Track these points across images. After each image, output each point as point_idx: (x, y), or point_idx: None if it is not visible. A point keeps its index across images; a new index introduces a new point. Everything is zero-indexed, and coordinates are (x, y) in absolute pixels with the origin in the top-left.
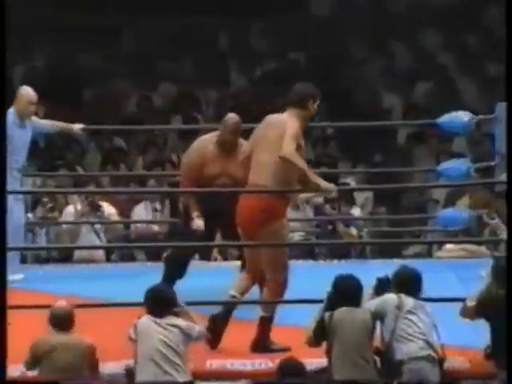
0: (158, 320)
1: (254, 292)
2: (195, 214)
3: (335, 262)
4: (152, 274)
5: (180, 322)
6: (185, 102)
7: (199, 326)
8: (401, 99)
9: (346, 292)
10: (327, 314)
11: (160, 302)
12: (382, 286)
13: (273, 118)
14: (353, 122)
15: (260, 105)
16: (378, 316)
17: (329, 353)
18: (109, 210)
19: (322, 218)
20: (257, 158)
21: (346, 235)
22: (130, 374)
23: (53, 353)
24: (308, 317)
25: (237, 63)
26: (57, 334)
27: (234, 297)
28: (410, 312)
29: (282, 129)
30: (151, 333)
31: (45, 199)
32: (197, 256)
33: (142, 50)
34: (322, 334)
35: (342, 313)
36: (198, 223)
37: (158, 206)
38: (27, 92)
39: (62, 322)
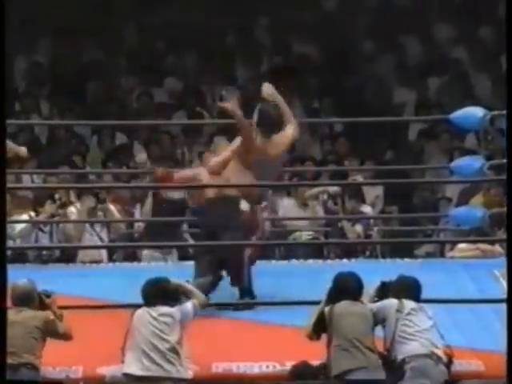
0: (152, 311)
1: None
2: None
3: (345, 261)
4: (156, 273)
5: (172, 309)
6: (190, 97)
7: (192, 302)
8: (413, 94)
9: (346, 288)
10: (327, 308)
11: (152, 292)
12: (385, 290)
13: None
14: (362, 118)
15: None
16: (379, 318)
17: (329, 345)
18: (112, 208)
19: (330, 216)
20: None
21: (350, 233)
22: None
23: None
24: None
25: (243, 58)
26: (14, 312)
27: None
28: (410, 314)
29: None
30: (144, 324)
31: (56, 196)
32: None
33: (146, 44)
34: (321, 326)
35: (341, 306)
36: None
37: None
38: None
39: (21, 299)
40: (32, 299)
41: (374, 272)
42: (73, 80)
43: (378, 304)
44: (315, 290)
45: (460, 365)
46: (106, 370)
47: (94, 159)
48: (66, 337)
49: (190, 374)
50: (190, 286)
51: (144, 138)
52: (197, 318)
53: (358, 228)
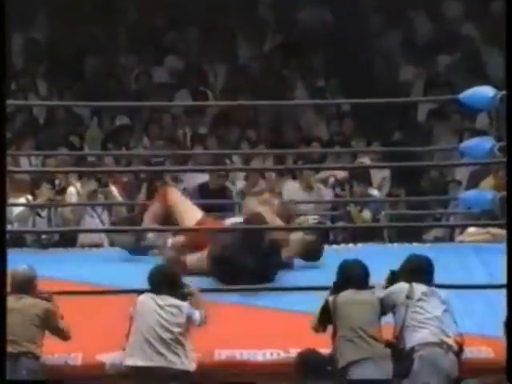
0: (159, 300)
1: None
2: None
3: (351, 246)
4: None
5: (180, 302)
6: (192, 75)
7: (201, 310)
8: (421, 73)
9: (350, 276)
10: (331, 298)
11: (159, 279)
12: (395, 279)
13: None
14: (370, 98)
15: (270, 79)
16: (389, 305)
17: (334, 336)
18: (113, 190)
19: (336, 199)
20: None
21: (357, 218)
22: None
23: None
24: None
25: (245, 36)
26: (14, 299)
27: None
28: (421, 300)
29: None
30: (149, 311)
31: (56, 181)
32: None
33: (146, 21)
34: (326, 317)
35: (345, 295)
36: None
37: None
38: None
39: (21, 286)
40: (32, 286)
41: (380, 257)
42: (71, 58)
43: (387, 290)
44: (321, 275)
45: (470, 352)
46: (106, 357)
47: (93, 140)
48: (64, 334)
49: (193, 367)
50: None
51: (145, 118)
52: None
53: (366, 214)
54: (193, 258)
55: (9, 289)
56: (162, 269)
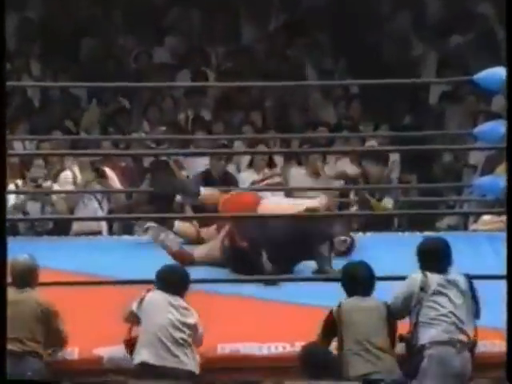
0: (171, 299)
1: None
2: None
3: (360, 234)
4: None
5: (194, 312)
6: (193, 56)
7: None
8: (434, 54)
9: (355, 282)
10: (334, 308)
11: (173, 280)
12: None
13: None
14: (379, 78)
15: (274, 60)
16: (407, 302)
17: (340, 350)
18: (112, 175)
19: (344, 187)
20: None
21: (377, 208)
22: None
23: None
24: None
25: (249, 15)
26: (16, 292)
27: None
28: (436, 293)
29: None
30: (161, 309)
31: (39, 165)
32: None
33: (145, 0)
34: (331, 329)
35: (350, 303)
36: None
37: None
38: None
39: (22, 278)
40: (34, 278)
41: (391, 247)
42: (66, 38)
43: (403, 286)
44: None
45: (484, 346)
46: (104, 351)
47: (91, 124)
48: (63, 338)
49: (198, 370)
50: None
51: (145, 100)
52: (199, 293)
53: (387, 201)
54: (201, 251)
55: (9, 280)
56: (176, 269)
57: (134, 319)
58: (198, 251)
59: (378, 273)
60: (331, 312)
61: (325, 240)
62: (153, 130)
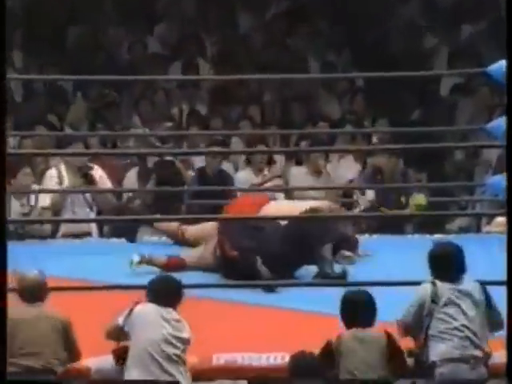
0: (164, 312)
1: None
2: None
3: (366, 236)
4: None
5: (186, 324)
6: (186, 45)
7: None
8: (444, 44)
9: (355, 312)
10: (334, 339)
11: (166, 291)
12: None
13: None
14: (386, 71)
15: (273, 51)
16: (419, 317)
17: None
18: (101, 174)
19: (347, 186)
20: None
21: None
22: None
23: (21, 326)
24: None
25: (246, 1)
26: (27, 307)
27: None
28: (448, 304)
29: None
30: (153, 323)
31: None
32: None
33: None
34: (328, 361)
35: (349, 335)
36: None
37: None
38: None
39: (33, 293)
40: (45, 293)
41: (399, 250)
42: (51, 26)
43: (410, 305)
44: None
45: (498, 357)
46: (92, 362)
47: (78, 118)
48: (77, 351)
49: None
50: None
51: (136, 93)
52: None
53: (420, 198)
54: (193, 256)
55: (18, 296)
56: (168, 279)
57: (120, 334)
58: (190, 255)
59: (384, 278)
60: (329, 342)
61: (327, 242)
62: (153, 126)
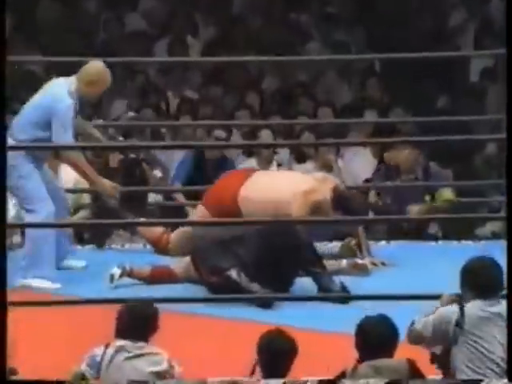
0: (135, 349)
1: None
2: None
3: (383, 243)
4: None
5: (158, 349)
6: (176, 24)
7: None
8: (473, 21)
9: (373, 342)
10: (349, 370)
11: (136, 324)
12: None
13: None
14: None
15: (273, 31)
16: (438, 333)
17: None
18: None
19: (363, 185)
20: None
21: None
22: None
23: None
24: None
25: None
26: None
27: None
28: (476, 328)
29: None
30: (124, 366)
31: None
32: None
33: None
34: None
35: (365, 368)
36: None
37: None
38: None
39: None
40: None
41: (421, 260)
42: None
43: (433, 321)
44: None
45: None
46: None
47: None
48: None
49: None
50: None
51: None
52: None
53: (447, 192)
54: (180, 265)
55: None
56: (140, 309)
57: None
58: (176, 266)
59: (402, 291)
60: (344, 373)
61: (319, 240)
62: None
